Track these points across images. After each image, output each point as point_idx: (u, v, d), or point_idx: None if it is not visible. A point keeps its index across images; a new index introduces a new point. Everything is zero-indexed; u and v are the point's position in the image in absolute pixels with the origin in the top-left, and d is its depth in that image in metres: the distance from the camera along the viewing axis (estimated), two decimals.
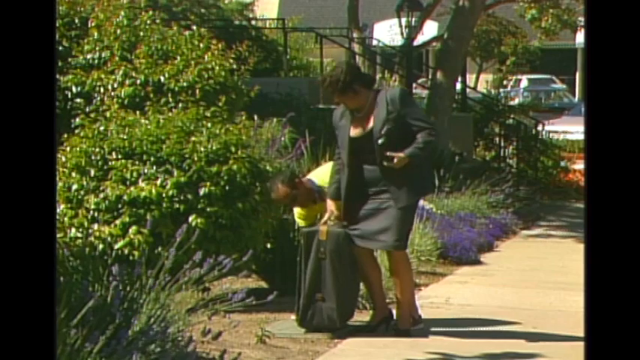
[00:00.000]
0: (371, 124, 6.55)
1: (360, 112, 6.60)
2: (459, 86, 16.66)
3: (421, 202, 9.11)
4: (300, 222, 7.29)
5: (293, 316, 6.90)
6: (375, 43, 26.92)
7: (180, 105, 8.47)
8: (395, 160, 6.42)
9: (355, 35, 22.39)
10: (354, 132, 6.60)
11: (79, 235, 6.99)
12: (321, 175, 7.11)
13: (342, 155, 6.66)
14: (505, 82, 32.68)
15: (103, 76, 8.96)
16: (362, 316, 6.98)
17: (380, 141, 6.46)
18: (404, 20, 17.94)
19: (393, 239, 6.53)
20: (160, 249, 6.52)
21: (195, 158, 7.16)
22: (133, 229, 6.95)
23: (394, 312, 6.85)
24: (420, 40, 20.52)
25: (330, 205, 6.71)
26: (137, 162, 7.20)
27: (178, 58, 9.00)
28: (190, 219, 6.94)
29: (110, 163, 7.22)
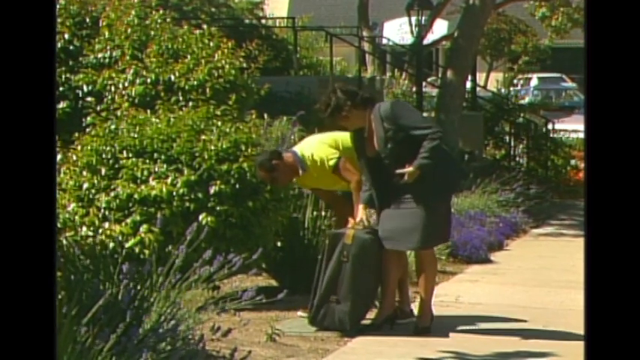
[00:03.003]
0: (375, 144, 6.54)
1: (366, 132, 6.57)
2: (469, 85, 16.64)
3: None
4: (301, 185, 7.37)
5: (299, 312, 6.91)
6: (384, 41, 26.90)
7: (190, 103, 8.49)
8: (406, 177, 6.42)
9: (365, 34, 22.40)
10: (369, 151, 6.61)
11: (90, 233, 7.01)
12: (305, 146, 7.09)
13: (364, 173, 6.66)
14: (515, 81, 32.63)
15: (113, 74, 8.99)
16: (370, 314, 6.98)
17: (387, 162, 6.47)
18: (414, 19, 17.90)
19: (417, 239, 6.55)
20: (170, 247, 6.54)
21: (206, 157, 7.18)
22: (143, 227, 6.97)
23: (415, 310, 6.86)
24: (430, 38, 20.50)
25: (361, 211, 6.71)
26: (148, 160, 7.22)
27: (189, 56, 9.02)
28: (201, 217, 6.96)
29: (121, 162, 7.24)
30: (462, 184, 8.00)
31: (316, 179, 7.06)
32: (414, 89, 16.86)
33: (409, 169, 6.41)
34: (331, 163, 6.90)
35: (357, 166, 6.85)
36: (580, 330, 6.62)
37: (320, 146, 7.01)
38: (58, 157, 7.53)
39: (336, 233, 6.77)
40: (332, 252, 6.62)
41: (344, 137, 7.00)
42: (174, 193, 7.05)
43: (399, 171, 6.42)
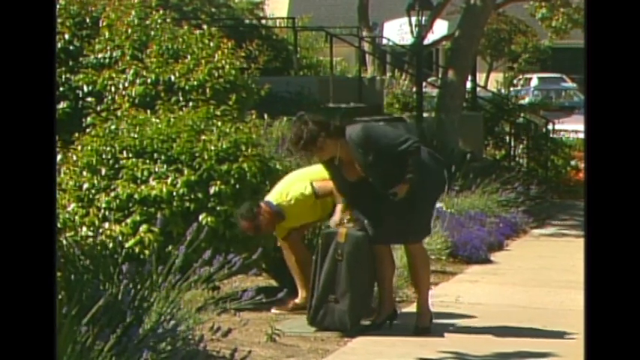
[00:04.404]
0: (358, 172, 6.53)
1: (341, 160, 6.53)
2: (469, 85, 16.64)
3: None
4: (289, 228, 7.23)
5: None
6: (385, 42, 26.90)
7: (190, 104, 8.49)
8: (398, 195, 6.44)
9: (365, 34, 22.40)
10: (350, 177, 6.59)
11: (90, 233, 7.01)
12: (277, 193, 7.07)
13: (346, 197, 6.65)
14: (515, 81, 32.64)
15: (114, 75, 8.99)
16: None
17: (376, 185, 6.47)
18: (414, 19, 17.91)
19: (406, 233, 6.57)
20: (170, 247, 6.54)
21: (206, 157, 7.18)
22: (143, 227, 6.97)
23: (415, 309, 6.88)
24: (430, 38, 20.49)
25: (338, 212, 6.73)
26: (148, 161, 7.22)
27: (189, 57, 9.02)
28: (201, 217, 6.96)
29: (121, 162, 7.24)
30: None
31: (300, 216, 7.08)
32: (414, 89, 16.86)
33: (400, 186, 6.42)
34: (308, 192, 6.94)
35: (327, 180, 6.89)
36: (580, 330, 6.63)
37: (292, 186, 7.02)
38: (58, 157, 7.54)
39: (328, 232, 6.76)
40: (326, 251, 6.63)
41: (309, 170, 7.12)
42: (175, 193, 7.05)
43: (391, 191, 6.44)
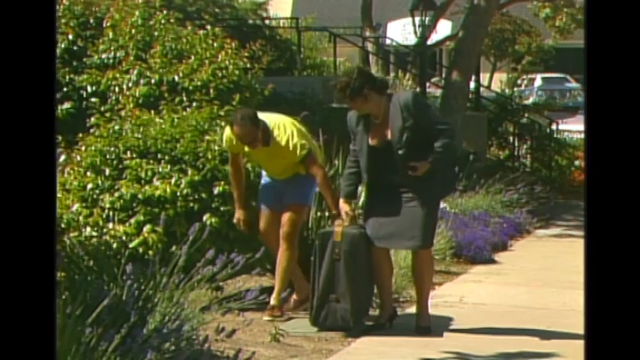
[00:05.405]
0: (389, 133, 6.49)
1: (377, 119, 6.54)
2: (472, 85, 16.64)
3: None
4: (225, 146, 6.97)
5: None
6: (388, 42, 26.89)
7: (194, 104, 8.51)
8: (417, 170, 6.41)
9: (368, 34, 22.39)
10: (373, 140, 6.53)
11: (94, 234, 7.02)
12: (279, 124, 6.85)
13: (361, 162, 6.61)
14: (519, 81, 32.61)
15: (117, 75, 9.01)
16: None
17: (400, 152, 6.44)
18: (418, 19, 17.92)
19: (419, 239, 6.54)
20: (174, 248, 6.54)
21: (210, 157, 7.19)
22: (147, 227, 6.98)
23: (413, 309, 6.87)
24: (433, 39, 20.50)
25: (344, 206, 6.68)
26: (152, 161, 7.23)
27: (192, 57, 9.04)
28: (204, 218, 6.97)
29: (125, 162, 7.26)
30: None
31: (270, 158, 6.88)
32: (418, 90, 16.87)
33: (422, 163, 6.40)
34: (303, 152, 6.76)
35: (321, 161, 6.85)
36: (582, 330, 6.62)
37: (296, 133, 6.83)
38: (63, 157, 7.55)
39: (324, 232, 6.74)
40: (323, 251, 6.61)
41: (306, 131, 6.97)
42: (178, 194, 7.06)
43: (412, 163, 6.41)
